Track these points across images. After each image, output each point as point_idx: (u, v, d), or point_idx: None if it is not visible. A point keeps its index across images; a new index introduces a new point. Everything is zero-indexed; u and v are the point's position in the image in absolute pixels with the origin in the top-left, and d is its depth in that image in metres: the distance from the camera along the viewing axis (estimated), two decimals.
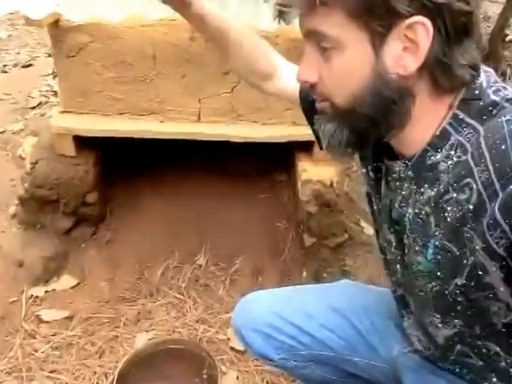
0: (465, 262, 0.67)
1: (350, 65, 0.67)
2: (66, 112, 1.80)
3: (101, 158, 1.92)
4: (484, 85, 0.70)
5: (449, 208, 0.68)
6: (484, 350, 0.78)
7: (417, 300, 0.82)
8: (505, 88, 0.70)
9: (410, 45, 0.64)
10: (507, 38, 3.46)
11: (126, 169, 2.04)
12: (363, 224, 1.92)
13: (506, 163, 0.60)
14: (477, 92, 0.69)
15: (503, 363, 0.78)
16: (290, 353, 1.09)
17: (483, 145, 0.64)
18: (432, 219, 0.72)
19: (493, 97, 0.68)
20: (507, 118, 0.63)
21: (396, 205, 0.79)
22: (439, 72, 0.66)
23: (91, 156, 1.86)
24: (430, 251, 0.73)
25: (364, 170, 0.88)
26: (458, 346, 0.81)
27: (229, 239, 1.92)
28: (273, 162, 2.06)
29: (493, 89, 0.69)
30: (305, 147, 1.82)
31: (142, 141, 1.75)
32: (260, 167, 2.06)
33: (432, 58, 0.65)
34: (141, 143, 1.77)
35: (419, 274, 0.77)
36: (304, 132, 1.75)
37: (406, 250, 0.79)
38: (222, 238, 1.93)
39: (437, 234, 0.71)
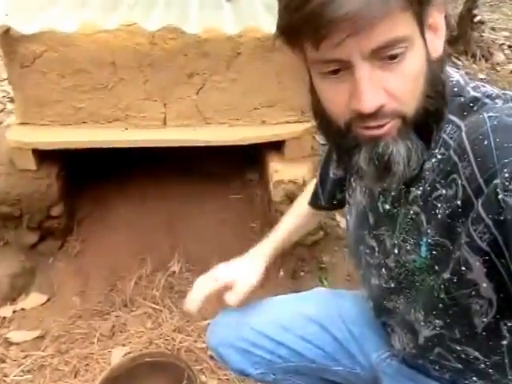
0: (453, 255, 0.68)
1: (420, 62, 0.63)
2: (24, 124, 1.73)
3: (64, 168, 1.86)
4: (462, 82, 0.70)
5: (439, 205, 0.68)
6: (463, 355, 0.78)
7: (412, 295, 0.81)
8: (483, 85, 0.71)
9: (431, 29, 0.65)
10: (475, 19, 3.45)
11: (92, 177, 1.98)
12: (338, 218, 1.91)
13: (488, 158, 0.60)
14: (455, 89, 0.70)
15: (482, 365, 0.78)
16: (268, 367, 1.08)
17: (465, 140, 0.64)
18: (423, 217, 0.72)
19: (473, 93, 0.69)
20: (490, 114, 0.63)
21: (387, 206, 0.79)
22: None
23: (53, 168, 1.80)
24: (424, 249, 0.73)
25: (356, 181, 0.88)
26: (437, 349, 0.81)
27: (202, 243, 1.89)
28: (243, 160, 2.03)
29: (471, 85, 0.70)
30: (275, 147, 1.80)
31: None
32: (230, 166, 2.03)
33: None
34: (106, 149, 1.71)
35: (416, 270, 0.77)
36: (274, 132, 1.75)
37: (396, 251, 0.79)
38: (195, 242, 1.89)
39: (429, 231, 0.71)
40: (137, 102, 1.68)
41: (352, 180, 0.90)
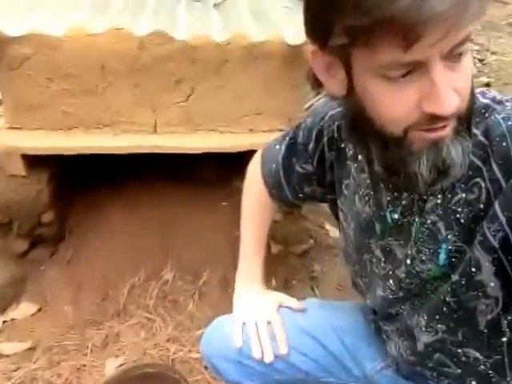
0: (465, 257, 0.67)
1: (471, 57, 0.62)
2: (12, 128, 1.68)
3: (55, 174, 1.81)
4: None
5: (459, 209, 0.67)
6: (463, 358, 0.77)
7: (421, 302, 0.79)
8: (488, 90, 0.70)
9: None
10: None
11: (83, 182, 1.95)
12: (328, 227, 1.90)
13: (509, 159, 0.60)
14: None
15: (482, 367, 0.77)
16: (263, 378, 1.05)
17: (486, 143, 0.63)
18: (440, 225, 0.70)
19: (482, 100, 0.67)
20: (502, 115, 0.63)
21: (396, 216, 0.76)
22: None
23: (44, 174, 1.76)
24: (443, 256, 0.71)
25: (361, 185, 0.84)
26: (437, 355, 0.80)
27: (194, 251, 1.86)
28: (232, 167, 1.99)
29: (477, 91, 0.69)
30: None
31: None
32: (219, 173, 1.99)
33: None
34: (97, 154, 1.67)
35: (430, 278, 0.75)
36: (262, 140, 1.70)
37: (409, 261, 0.76)
38: (187, 250, 1.86)
39: (449, 237, 0.69)
40: (127, 108, 1.63)
41: (343, 187, 0.87)
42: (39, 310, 1.72)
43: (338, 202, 0.91)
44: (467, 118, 0.63)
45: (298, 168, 0.96)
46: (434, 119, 0.60)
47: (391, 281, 0.81)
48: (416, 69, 0.58)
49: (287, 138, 0.99)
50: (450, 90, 0.58)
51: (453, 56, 0.58)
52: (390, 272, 0.81)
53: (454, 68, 0.59)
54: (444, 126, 0.61)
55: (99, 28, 1.50)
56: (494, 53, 3.68)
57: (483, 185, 0.64)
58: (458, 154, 0.62)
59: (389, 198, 0.77)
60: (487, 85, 3.21)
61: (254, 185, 1.11)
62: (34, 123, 1.67)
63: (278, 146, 1.01)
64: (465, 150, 0.63)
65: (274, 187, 1.04)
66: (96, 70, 1.57)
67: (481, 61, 3.58)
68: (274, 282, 1.76)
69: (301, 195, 1.01)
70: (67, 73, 1.58)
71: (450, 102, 0.58)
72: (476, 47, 3.70)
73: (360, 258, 0.88)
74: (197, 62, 1.57)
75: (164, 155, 1.67)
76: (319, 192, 0.97)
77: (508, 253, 0.60)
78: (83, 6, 1.68)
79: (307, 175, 0.96)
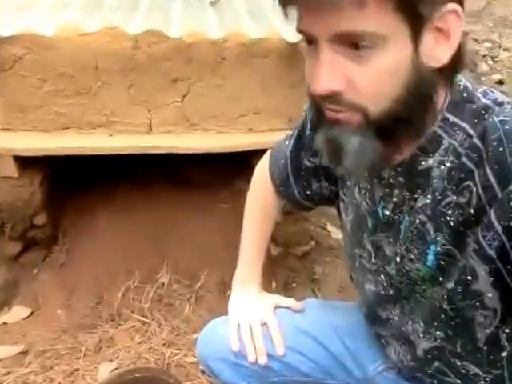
0: (459, 264, 0.66)
1: (391, 62, 0.59)
2: (5, 130, 1.66)
3: (48, 176, 1.78)
4: (470, 87, 0.67)
5: (449, 212, 0.65)
6: (463, 371, 0.75)
7: (410, 306, 0.78)
8: (491, 90, 0.68)
9: (441, 35, 0.61)
10: None
11: (77, 184, 1.92)
12: (330, 228, 1.88)
13: (504, 165, 0.58)
14: (465, 94, 0.66)
15: (482, 382, 0.75)
16: (260, 380, 1.03)
17: (480, 146, 0.62)
18: (429, 226, 0.69)
19: (483, 100, 0.66)
20: (500, 118, 0.61)
21: (387, 212, 0.75)
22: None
23: (37, 175, 1.73)
24: (431, 257, 0.70)
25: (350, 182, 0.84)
26: (436, 363, 0.78)
27: (191, 253, 1.83)
28: (232, 169, 1.98)
29: (480, 91, 0.67)
30: (263, 155, 1.75)
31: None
32: (219, 175, 1.97)
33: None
34: (91, 156, 1.65)
35: (419, 279, 0.74)
36: (261, 139, 1.69)
37: (399, 259, 0.76)
38: (184, 253, 1.84)
39: (438, 239, 0.68)
40: (121, 108, 1.61)
41: (346, 177, 0.87)
42: (32, 313, 1.69)
43: (341, 192, 0.90)
44: (382, 124, 0.61)
45: (306, 162, 0.95)
46: (324, 98, 0.62)
47: (382, 276, 0.81)
48: (313, 43, 0.62)
49: (295, 132, 0.98)
50: (328, 69, 0.59)
51: (345, 44, 0.59)
52: (381, 268, 0.80)
53: (352, 58, 0.59)
54: (336, 111, 0.63)
55: (92, 27, 1.48)
56: (506, 49, 3.66)
57: (474, 189, 0.62)
58: (353, 148, 0.63)
59: (381, 194, 0.76)
60: (500, 82, 3.19)
61: (260, 183, 1.10)
62: (26, 124, 1.65)
63: (286, 142, 1.00)
64: (366, 150, 0.63)
65: (282, 184, 1.02)
66: (90, 69, 1.55)
67: (493, 58, 3.57)
68: (274, 284, 1.75)
69: (309, 192, 0.98)
70: (60, 73, 1.57)
71: (324, 80, 0.60)
72: (488, 44, 3.69)
73: (352, 251, 0.87)
74: (193, 60, 1.56)
75: (160, 156, 1.65)
76: (326, 189, 0.95)
77: (506, 262, 0.59)
78: (76, 4, 1.67)
79: (315, 169, 0.94)
